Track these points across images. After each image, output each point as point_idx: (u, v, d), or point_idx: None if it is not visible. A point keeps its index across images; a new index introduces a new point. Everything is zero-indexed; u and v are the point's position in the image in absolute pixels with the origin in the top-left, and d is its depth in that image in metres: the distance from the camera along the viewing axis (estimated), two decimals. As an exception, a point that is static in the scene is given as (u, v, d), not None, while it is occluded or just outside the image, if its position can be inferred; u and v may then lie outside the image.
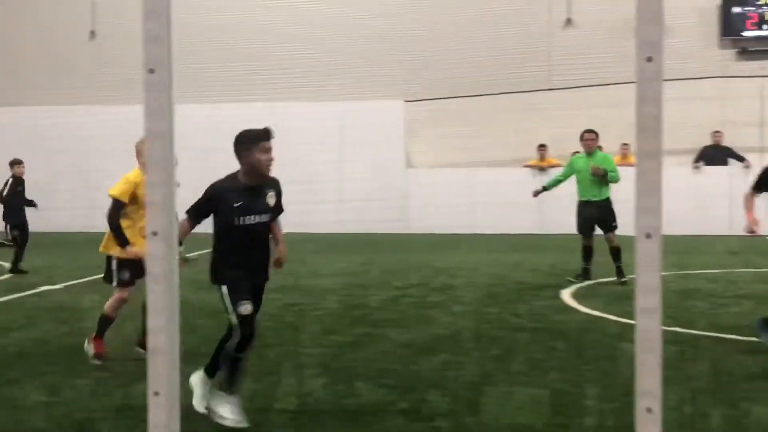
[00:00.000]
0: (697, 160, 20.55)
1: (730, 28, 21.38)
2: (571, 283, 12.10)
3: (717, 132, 20.52)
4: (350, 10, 23.48)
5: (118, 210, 7.49)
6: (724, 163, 20.43)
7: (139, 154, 7.48)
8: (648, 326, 2.84)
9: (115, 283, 7.73)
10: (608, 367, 7.17)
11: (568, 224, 19.72)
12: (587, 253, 12.53)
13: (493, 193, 21.29)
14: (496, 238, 19.91)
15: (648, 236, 2.67)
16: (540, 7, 22.31)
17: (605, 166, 12.35)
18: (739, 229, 19.05)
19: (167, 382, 2.31)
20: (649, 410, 2.80)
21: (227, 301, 5.69)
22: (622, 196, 16.53)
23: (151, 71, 2.18)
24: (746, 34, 21.31)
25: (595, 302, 10.46)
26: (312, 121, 22.05)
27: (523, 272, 13.77)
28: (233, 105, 21.89)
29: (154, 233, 2.25)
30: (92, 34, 24.49)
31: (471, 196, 21.53)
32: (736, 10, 21.28)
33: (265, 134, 5.66)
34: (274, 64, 23.64)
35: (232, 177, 5.79)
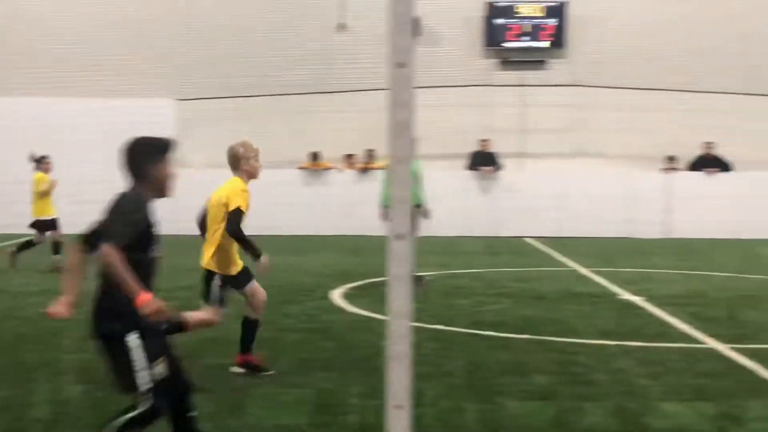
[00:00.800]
0: (471, 166, 21.32)
1: (492, 38, 22.41)
2: None
3: (484, 140, 21.40)
4: (119, 7, 22.84)
5: (240, 221, 7.08)
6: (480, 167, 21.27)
7: (240, 158, 7.23)
8: (398, 326, 2.95)
9: (217, 304, 7.11)
10: (372, 365, 7.33)
11: (343, 226, 20.29)
12: None
13: (267, 195, 21.20)
14: (271, 239, 19.86)
15: (399, 237, 2.78)
16: (314, 10, 22.52)
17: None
18: (503, 230, 20.20)
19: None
20: (398, 407, 2.90)
21: (136, 356, 4.43)
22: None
23: None
24: (507, 44, 22.43)
25: (364, 302, 10.67)
26: (79, 118, 21.24)
27: (295, 273, 13.82)
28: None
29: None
30: None
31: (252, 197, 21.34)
32: (498, 21, 22.35)
33: (170, 144, 4.80)
34: (43, 59, 22.60)
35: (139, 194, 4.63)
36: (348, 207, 20.26)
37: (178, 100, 21.75)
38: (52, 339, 8.44)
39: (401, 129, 2.83)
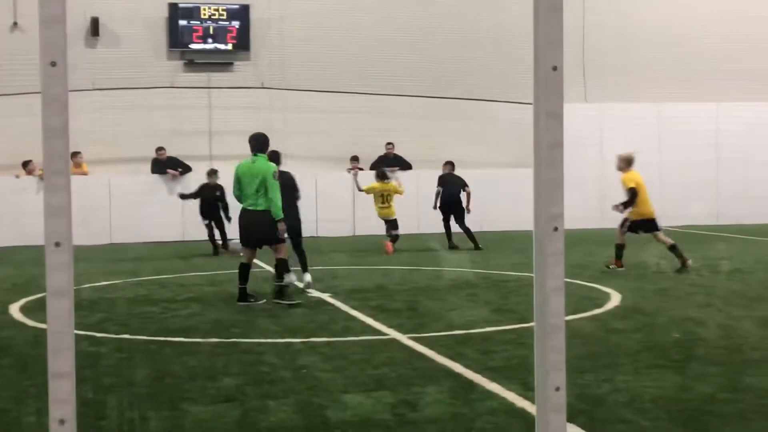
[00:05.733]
0: (154, 170, 20.94)
1: (177, 40, 22.17)
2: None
3: (160, 148, 21.09)
4: None
5: None
6: (164, 172, 20.99)
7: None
8: (58, 334, 2.84)
9: None
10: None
11: (15, 236, 19.02)
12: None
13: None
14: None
15: (58, 245, 2.67)
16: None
17: None
18: (192, 234, 19.96)
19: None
20: (62, 422, 2.78)
21: None
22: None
23: None
24: (193, 46, 22.29)
25: (44, 316, 10.16)
26: None
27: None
28: None
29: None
30: None
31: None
32: (183, 23, 22.14)
33: None
34: None
35: None
36: (21, 216, 19.05)
37: None
38: None
39: (54, 131, 2.73)
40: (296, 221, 12.18)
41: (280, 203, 10.68)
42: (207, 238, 17.85)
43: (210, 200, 17.79)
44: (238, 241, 11.66)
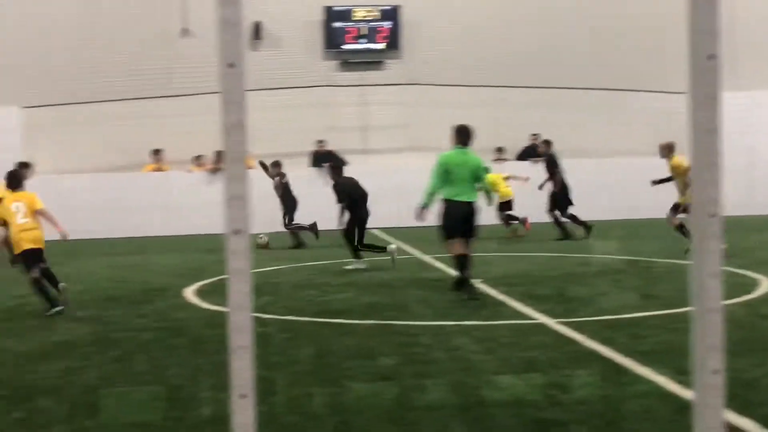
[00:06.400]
0: (314, 164, 21.85)
1: (332, 41, 23.04)
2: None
3: (321, 141, 22.07)
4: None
5: None
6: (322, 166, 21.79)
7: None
8: (239, 314, 3.14)
9: None
10: (224, 358, 7.49)
11: (194, 225, 20.30)
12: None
13: (118, 198, 21.14)
14: (122, 241, 19.80)
15: (237, 232, 2.96)
16: (155, 15, 22.46)
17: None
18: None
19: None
20: (243, 396, 3.10)
21: None
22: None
23: None
24: (346, 47, 23.11)
25: (217, 298, 10.85)
26: None
27: (147, 273, 13.87)
28: None
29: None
30: None
31: (96, 201, 21.15)
32: (337, 24, 22.97)
33: None
34: None
35: None
36: (199, 206, 20.30)
37: (23, 107, 21.31)
38: None
39: (234, 129, 2.92)
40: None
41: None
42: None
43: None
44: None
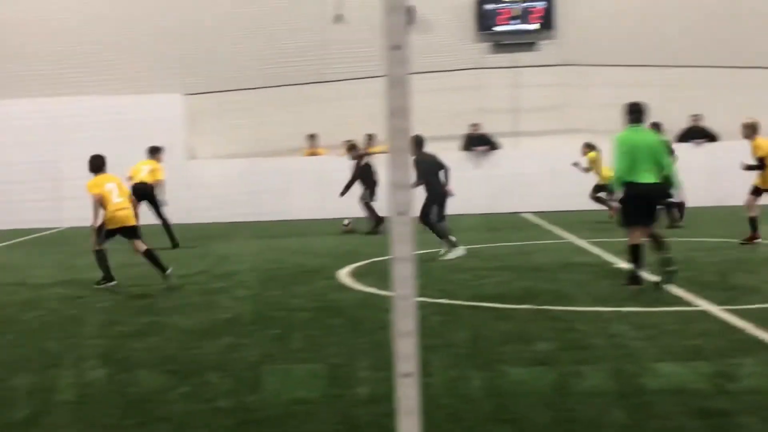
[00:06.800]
0: (465, 147, 21.87)
1: (483, 23, 22.87)
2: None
3: (474, 124, 21.97)
4: (128, 5, 23.22)
5: None
6: (473, 149, 21.79)
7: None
8: (403, 296, 3.16)
9: None
10: (380, 338, 7.64)
11: (347, 209, 20.64)
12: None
13: (273, 182, 21.74)
14: (278, 224, 20.33)
15: (401, 214, 2.98)
16: (310, 1, 22.92)
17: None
18: (496, 207, 20.64)
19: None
20: (407, 375, 3.13)
21: None
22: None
23: None
24: (498, 29, 22.89)
25: (370, 280, 11.00)
26: (91, 116, 21.70)
27: (302, 255, 14.18)
28: (8, 102, 21.61)
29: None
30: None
31: (253, 185, 21.81)
32: (489, 6, 22.80)
33: None
34: (51, 59, 22.98)
35: None
36: (351, 190, 20.57)
37: (185, 95, 22.17)
38: (73, 327, 8.79)
39: (397, 110, 2.92)
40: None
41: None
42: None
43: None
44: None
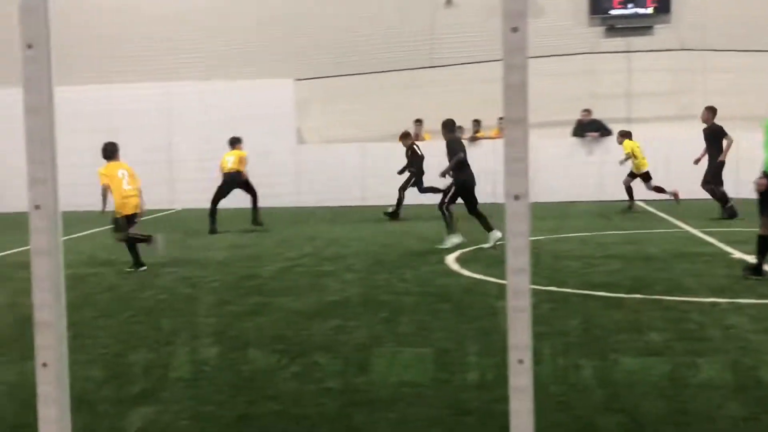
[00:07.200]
0: (576, 133, 21.57)
1: (598, 6, 22.46)
2: None
3: (586, 110, 21.62)
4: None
5: None
6: (584, 135, 21.50)
7: None
8: (518, 281, 3.12)
9: None
10: (488, 325, 7.61)
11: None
12: None
13: (381, 167, 21.82)
14: (385, 208, 20.39)
15: (516, 198, 2.94)
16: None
17: None
18: (607, 194, 20.31)
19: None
20: (520, 361, 3.09)
21: None
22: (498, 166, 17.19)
23: (30, 46, 2.22)
24: (613, 12, 22.42)
25: (477, 266, 10.95)
26: (203, 100, 22.22)
27: (410, 240, 14.22)
28: (125, 86, 22.14)
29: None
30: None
31: (361, 170, 21.96)
32: (603, -10, 22.43)
33: None
34: (165, 46, 23.61)
35: None
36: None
37: (296, 80, 22.48)
38: (187, 306, 9.02)
39: (515, 92, 2.88)
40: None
41: None
42: None
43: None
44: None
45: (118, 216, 11.65)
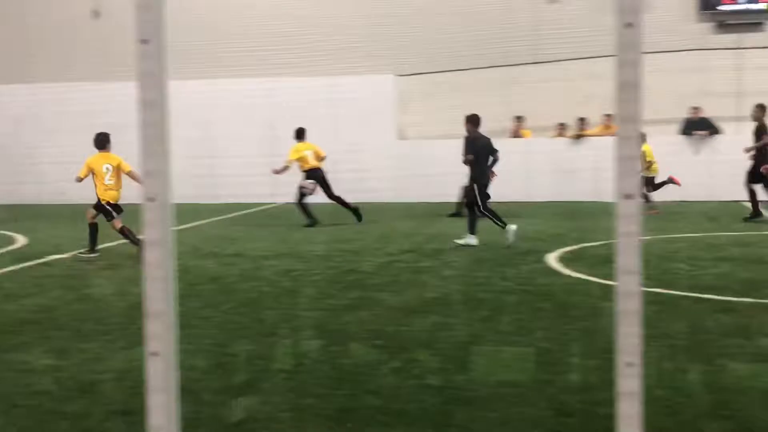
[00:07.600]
0: (684, 131, 21.07)
1: (707, 2, 21.86)
2: None
3: (695, 108, 21.06)
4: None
5: None
6: (692, 134, 20.95)
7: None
8: (628, 282, 3.04)
9: None
10: (591, 326, 7.48)
11: (556, 192, 20.44)
12: None
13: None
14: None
15: (628, 197, 2.87)
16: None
17: None
18: (716, 195, 19.77)
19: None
20: (629, 365, 3.01)
21: None
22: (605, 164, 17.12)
23: (145, 42, 2.27)
24: (723, 8, 21.78)
25: (579, 266, 10.78)
26: (306, 95, 22.50)
27: (511, 238, 14.08)
28: (229, 81, 22.58)
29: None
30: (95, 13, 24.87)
31: (462, 166, 21.86)
32: (714, -15, 21.82)
33: None
34: (268, 41, 24.01)
35: None
36: (561, 174, 20.43)
37: (397, 75, 22.56)
38: (289, 298, 9.12)
39: (627, 89, 2.83)
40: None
41: None
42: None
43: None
44: None
45: (103, 202, 12.24)
